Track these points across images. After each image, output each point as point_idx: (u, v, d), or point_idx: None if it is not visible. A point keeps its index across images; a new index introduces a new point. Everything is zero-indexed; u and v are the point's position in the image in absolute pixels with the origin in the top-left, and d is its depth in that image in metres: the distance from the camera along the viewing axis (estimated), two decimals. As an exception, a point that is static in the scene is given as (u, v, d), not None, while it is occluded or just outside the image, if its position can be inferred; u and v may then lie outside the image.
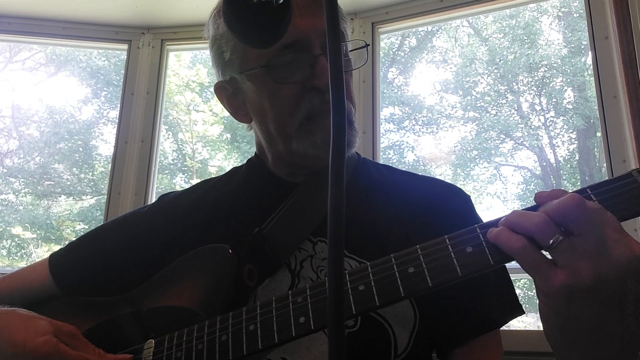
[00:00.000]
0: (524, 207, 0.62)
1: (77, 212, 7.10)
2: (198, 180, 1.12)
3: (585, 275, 0.52)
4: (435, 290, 0.62)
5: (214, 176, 1.10)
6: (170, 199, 1.04)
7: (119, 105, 2.45)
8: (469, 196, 0.97)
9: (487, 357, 0.87)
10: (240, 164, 1.09)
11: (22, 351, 0.73)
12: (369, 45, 0.96)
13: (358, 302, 0.65)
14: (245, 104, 0.96)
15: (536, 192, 0.62)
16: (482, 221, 0.93)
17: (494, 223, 0.62)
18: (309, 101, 0.86)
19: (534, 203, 0.61)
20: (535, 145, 6.91)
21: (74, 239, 1.17)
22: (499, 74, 7.19)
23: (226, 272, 0.83)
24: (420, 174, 1.04)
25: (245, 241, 0.86)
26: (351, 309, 0.65)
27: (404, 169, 1.06)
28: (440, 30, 7.23)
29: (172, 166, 7.30)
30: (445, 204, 0.93)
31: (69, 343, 0.77)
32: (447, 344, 0.87)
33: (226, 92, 0.98)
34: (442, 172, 6.83)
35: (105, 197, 2.34)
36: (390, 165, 1.07)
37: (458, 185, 1.01)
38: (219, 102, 1.01)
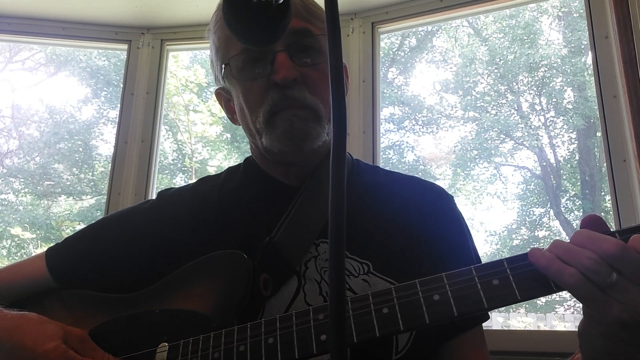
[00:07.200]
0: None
1: (77, 212, 7.11)
2: (197, 180, 1.12)
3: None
4: (460, 319, 0.63)
5: (211, 174, 1.09)
6: (171, 198, 1.04)
7: (119, 105, 2.45)
8: (452, 197, 1.03)
9: (477, 351, 0.91)
10: (237, 164, 1.09)
11: (32, 356, 0.74)
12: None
13: (382, 325, 0.64)
14: (234, 106, 0.99)
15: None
16: (464, 221, 0.99)
17: (522, 258, 0.63)
18: (270, 97, 0.87)
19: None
20: (535, 145, 6.91)
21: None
22: (499, 74, 7.20)
23: (242, 280, 0.82)
24: (404, 173, 1.09)
25: (257, 249, 0.86)
26: (375, 331, 0.64)
27: (399, 170, 1.08)
28: (440, 30, 7.24)
29: (172, 166, 7.30)
30: (435, 206, 0.98)
31: (78, 348, 0.77)
32: (440, 339, 0.91)
33: (223, 98, 1.02)
34: (442, 172, 6.82)
35: (105, 197, 2.34)
36: (378, 166, 1.09)
37: (455, 185, 1.03)
38: (217, 103, 1.05)
